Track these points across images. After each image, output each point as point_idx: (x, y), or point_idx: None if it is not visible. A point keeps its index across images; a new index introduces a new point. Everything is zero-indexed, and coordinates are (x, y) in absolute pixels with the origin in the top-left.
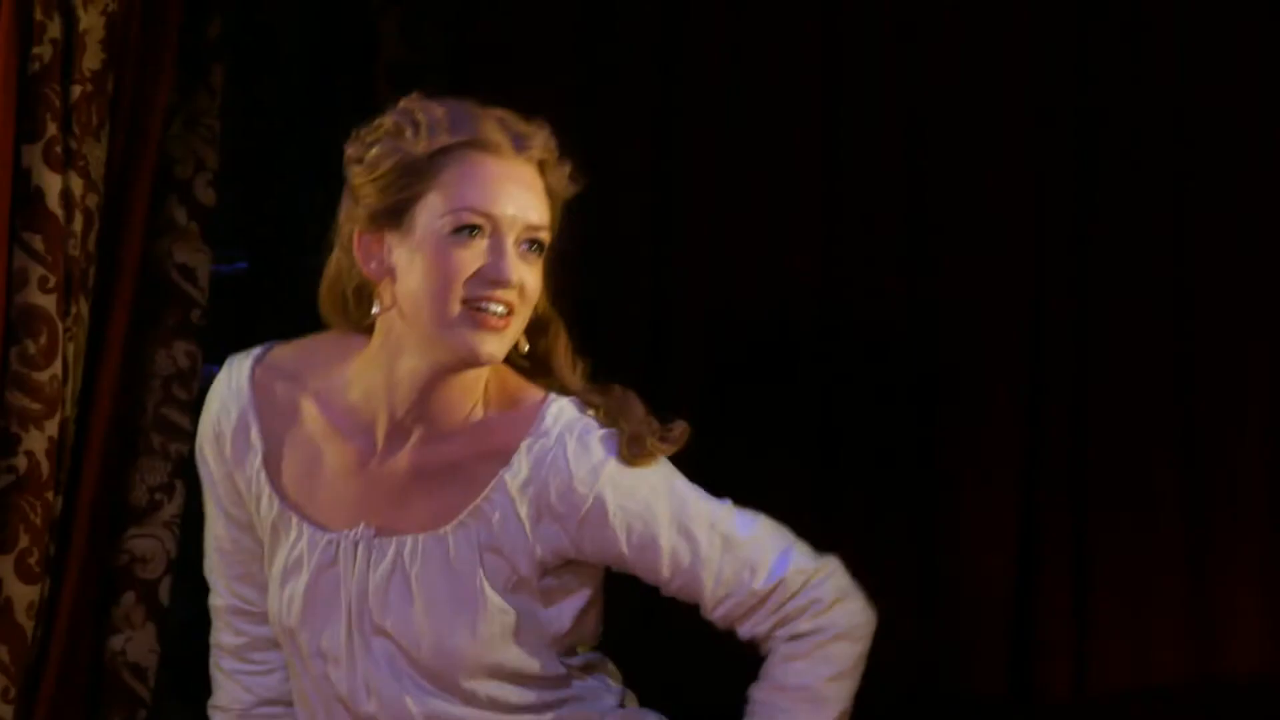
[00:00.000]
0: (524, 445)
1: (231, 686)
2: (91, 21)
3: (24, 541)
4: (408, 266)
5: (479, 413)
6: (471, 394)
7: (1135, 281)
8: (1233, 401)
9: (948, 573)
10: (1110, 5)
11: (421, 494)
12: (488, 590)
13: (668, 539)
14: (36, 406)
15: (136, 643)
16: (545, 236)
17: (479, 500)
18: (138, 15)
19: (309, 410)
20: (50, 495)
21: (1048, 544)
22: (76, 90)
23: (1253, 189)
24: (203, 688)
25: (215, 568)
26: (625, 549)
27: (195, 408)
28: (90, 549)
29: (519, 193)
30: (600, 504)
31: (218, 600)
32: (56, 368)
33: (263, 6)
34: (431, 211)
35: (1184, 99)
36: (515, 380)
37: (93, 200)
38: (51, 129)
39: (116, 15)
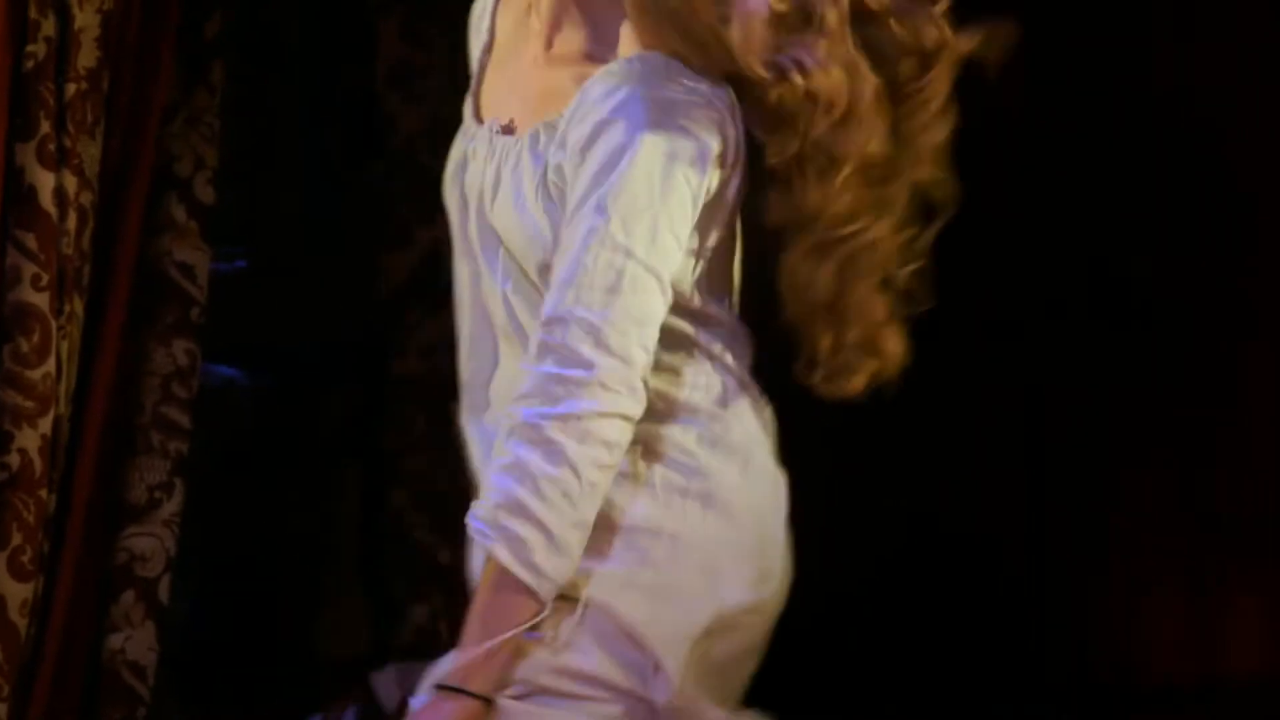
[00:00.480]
0: (599, 70)
1: None
2: (87, 20)
3: (17, 539)
4: None
5: (614, 40)
6: (601, 23)
7: (1135, 280)
8: (1233, 401)
9: (947, 573)
10: (1109, 6)
11: (531, 97)
12: (538, 201)
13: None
14: (29, 404)
15: (136, 641)
16: None
17: (554, 115)
18: (135, 13)
19: (521, 8)
20: (43, 493)
21: (1049, 543)
22: (71, 88)
23: (1254, 185)
24: (201, 686)
25: None
26: (567, 157)
27: (194, 406)
28: (85, 547)
29: None
30: (593, 131)
31: None
32: (50, 365)
33: (263, 5)
34: None
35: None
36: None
37: (87, 198)
38: (45, 127)
39: (113, 13)
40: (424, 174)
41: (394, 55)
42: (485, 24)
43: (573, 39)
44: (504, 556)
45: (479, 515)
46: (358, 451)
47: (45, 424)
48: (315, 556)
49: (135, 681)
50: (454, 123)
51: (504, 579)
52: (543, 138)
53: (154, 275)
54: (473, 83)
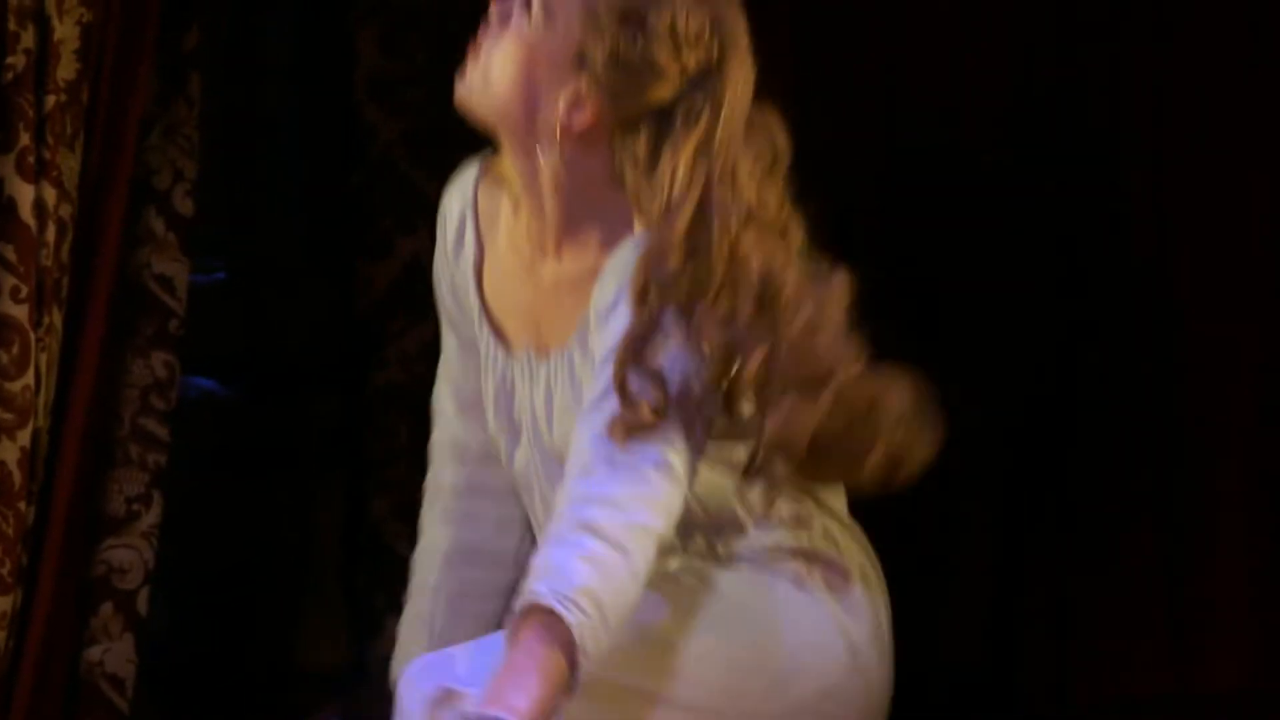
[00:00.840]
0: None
1: (439, 530)
2: (66, 32)
3: None
4: None
5: (627, 220)
6: (611, 216)
7: (1122, 284)
8: (1216, 410)
9: (927, 582)
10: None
11: (559, 307)
12: None
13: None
14: (8, 416)
15: (114, 653)
16: None
17: (584, 312)
18: (114, 26)
19: (507, 215)
20: (22, 505)
21: (1029, 554)
22: (50, 100)
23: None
24: (180, 698)
25: (443, 395)
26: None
27: (173, 418)
28: (64, 559)
29: None
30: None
31: (441, 435)
32: (29, 378)
33: (242, 16)
34: None
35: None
36: None
37: (66, 210)
38: (24, 139)
39: (92, 25)
40: (404, 184)
41: (374, 65)
42: (469, 237)
43: (588, 236)
44: (590, 645)
45: (565, 592)
46: (339, 462)
47: (24, 436)
48: (295, 567)
49: (114, 694)
50: (434, 133)
51: (557, 652)
52: (588, 339)
53: (133, 287)
54: (471, 298)
